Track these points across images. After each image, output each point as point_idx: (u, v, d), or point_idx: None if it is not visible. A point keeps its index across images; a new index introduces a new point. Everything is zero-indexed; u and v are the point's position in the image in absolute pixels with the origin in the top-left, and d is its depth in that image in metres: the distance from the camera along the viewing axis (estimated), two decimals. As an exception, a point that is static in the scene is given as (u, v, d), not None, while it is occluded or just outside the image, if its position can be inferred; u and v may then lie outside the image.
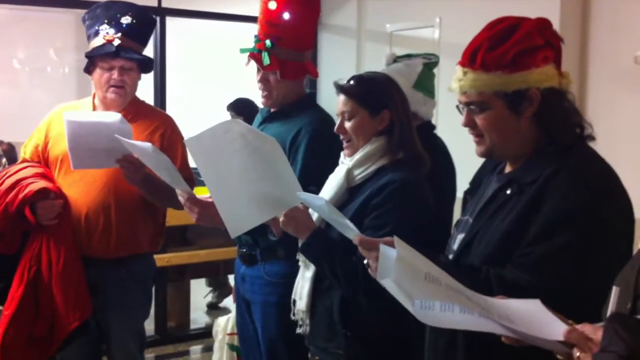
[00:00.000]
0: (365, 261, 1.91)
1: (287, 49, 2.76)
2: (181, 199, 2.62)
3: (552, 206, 1.65)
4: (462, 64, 1.81)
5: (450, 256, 1.91)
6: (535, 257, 1.65)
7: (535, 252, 1.65)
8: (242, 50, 2.83)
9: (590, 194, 1.66)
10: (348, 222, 1.97)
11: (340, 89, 2.38)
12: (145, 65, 3.16)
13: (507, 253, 1.71)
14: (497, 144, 1.81)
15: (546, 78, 1.75)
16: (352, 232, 1.95)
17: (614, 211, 1.69)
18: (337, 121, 2.39)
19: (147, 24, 3.18)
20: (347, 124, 2.36)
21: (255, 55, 2.77)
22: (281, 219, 2.27)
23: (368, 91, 2.35)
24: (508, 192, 1.78)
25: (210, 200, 2.55)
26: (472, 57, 1.78)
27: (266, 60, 2.74)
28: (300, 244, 2.30)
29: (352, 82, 2.38)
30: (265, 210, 2.28)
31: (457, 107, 1.87)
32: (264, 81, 2.81)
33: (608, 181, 1.73)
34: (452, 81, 1.84)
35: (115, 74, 3.02)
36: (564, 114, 1.79)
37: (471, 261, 1.80)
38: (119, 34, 3.02)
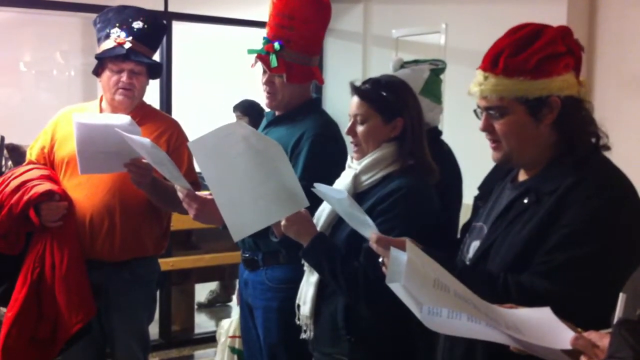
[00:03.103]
0: (380, 259, 1.90)
1: (295, 52, 2.75)
2: (180, 194, 2.62)
3: (572, 217, 1.65)
4: (484, 68, 1.80)
5: (466, 262, 1.91)
6: (554, 265, 1.65)
7: (555, 261, 1.65)
8: (250, 51, 2.82)
9: (610, 205, 1.66)
10: (367, 218, 1.96)
11: (356, 91, 2.34)
12: (155, 70, 3.16)
13: (526, 262, 1.70)
14: (515, 150, 1.80)
15: (567, 86, 1.75)
16: (369, 229, 1.93)
17: (632, 222, 1.69)
18: (349, 123, 2.35)
19: (158, 29, 3.18)
20: (359, 128, 2.32)
21: (262, 57, 2.77)
22: (283, 223, 2.26)
23: (384, 97, 2.30)
24: (525, 201, 1.76)
25: (209, 197, 2.55)
26: (494, 62, 1.77)
27: (274, 62, 2.73)
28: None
29: (368, 85, 2.34)
30: (268, 214, 2.26)
31: (475, 111, 1.86)
32: (269, 83, 2.80)
33: (626, 192, 1.72)
34: (471, 85, 1.83)
35: (124, 77, 3.02)
36: (582, 122, 1.78)
37: (489, 269, 1.79)
38: (130, 38, 3.02)
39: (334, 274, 2.21)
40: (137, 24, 3.05)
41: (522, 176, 1.88)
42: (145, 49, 3.07)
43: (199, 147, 2.25)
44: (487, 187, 2.03)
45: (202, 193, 2.63)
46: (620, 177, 1.76)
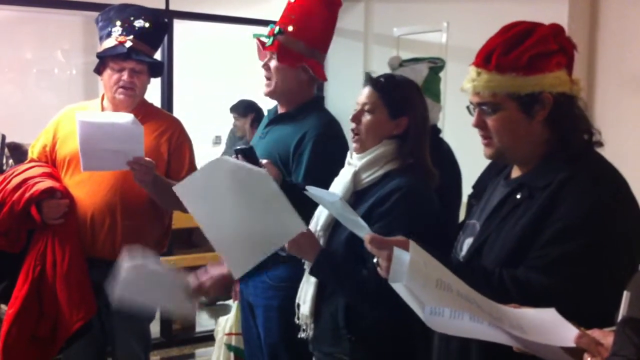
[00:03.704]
0: (375, 260, 1.90)
1: (291, 38, 2.79)
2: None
3: (566, 211, 1.65)
4: (477, 64, 1.81)
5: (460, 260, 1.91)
6: (549, 260, 1.65)
7: (549, 255, 1.65)
8: (255, 35, 2.90)
9: (604, 199, 1.66)
10: (360, 220, 1.95)
11: (370, 80, 2.36)
12: (156, 69, 3.17)
13: (520, 257, 1.70)
14: (507, 146, 1.81)
15: (559, 83, 1.76)
16: (363, 230, 1.93)
17: (626, 216, 1.69)
18: (355, 110, 2.37)
19: (160, 28, 3.19)
20: (365, 117, 2.33)
21: (261, 40, 2.84)
22: (286, 245, 2.26)
23: (395, 92, 2.33)
24: (518, 196, 1.77)
25: (208, 278, 2.69)
26: (487, 59, 1.79)
27: (269, 42, 2.80)
28: (309, 267, 2.29)
29: (383, 78, 2.37)
30: (266, 245, 2.25)
31: (468, 108, 1.86)
32: (265, 67, 2.85)
33: (620, 187, 1.73)
34: (464, 81, 1.84)
35: (125, 76, 3.03)
36: (575, 119, 1.79)
37: (484, 265, 1.78)
38: (132, 36, 3.03)
39: (343, 286, 2.22)
40: (139, 23, 3.06)
41: (515, 173, 1.88)
42: (147, 48, 3.08)
43: (186, 190, 2.24)
44: (481, 185, 2.03)
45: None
46: (613, 172, 1.76)
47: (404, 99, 2.33)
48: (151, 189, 2.96)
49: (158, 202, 3.06)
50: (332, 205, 2.08)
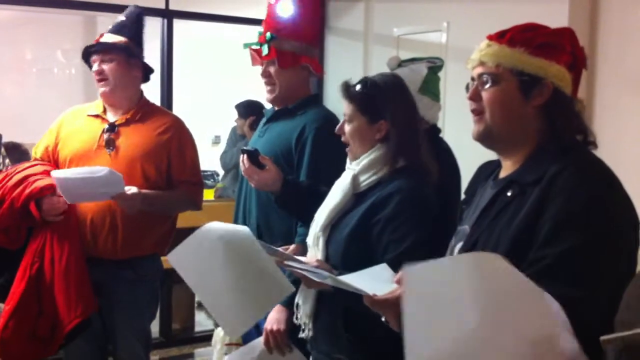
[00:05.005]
0: (383, 319, 1.86)
1: (286, 39, 2.83)
2: None
3: (558, 207, 1.61)
4: (490, 37, 1.81)
5: None
6: (547, 263, 1.59)
7: (546, 258, 1.59)
8: (246, 45, 2.91)
9: (596, 193, 1.63)
10: (351, 285, 1.92)
11: (344, 91, 2.36)
12: (128, 53, 3.15)
13: (518, 259, 1.63)
14: (498, 123, 1.77)
15: (562, 78, 1.75)
16: (361, 292, 1.88)
17: (620, 210, 1.66)
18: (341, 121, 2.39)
19: (132, 19, 3.21)
20: (346, 127, 2.35)
21: (256, 49, 2.86)
22: (303, 283, 2.28)
23: (368, 99, 2.32)
24: (509, 194, 1.73)
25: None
26: (503, 34, 1.80)
27: (265, 50, 2.81)
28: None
29: (357, 86, 2.35)
30: (257, 308, 2.25)
31: (467, 85, 1.84)
32: (266, 74, 2.86)
33: (611, 180, 1.70)
34: (473, 54, 1.83)
35: (95, 67, 3.08)
36: (570, 116, 1.77)
37: None
38: (103, 33, 3.13)
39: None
40: (120, 20, 3.15)
41: (504, 173, 1.83)
42: (117, 39, 3.12)
43: (179, 258, 2.24)
44: (472, 190, 1.99)
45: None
46: (604, 166, 1.73)
47: (379, 103, 2.31)
48: (146, 209, 3.01)
49: (159, 214, 3.11)
50: (323, 278, 2.07)
